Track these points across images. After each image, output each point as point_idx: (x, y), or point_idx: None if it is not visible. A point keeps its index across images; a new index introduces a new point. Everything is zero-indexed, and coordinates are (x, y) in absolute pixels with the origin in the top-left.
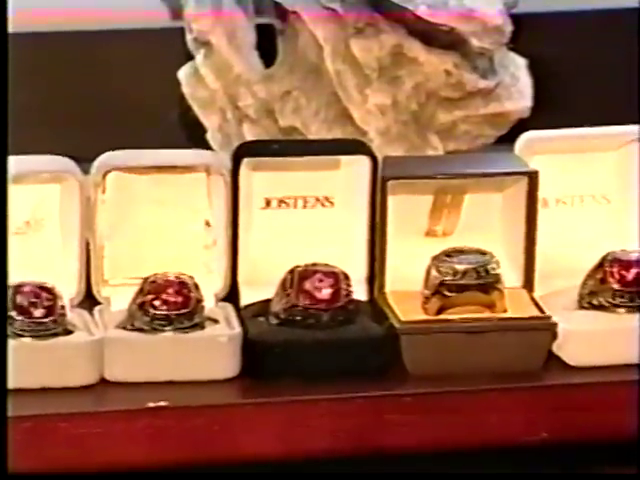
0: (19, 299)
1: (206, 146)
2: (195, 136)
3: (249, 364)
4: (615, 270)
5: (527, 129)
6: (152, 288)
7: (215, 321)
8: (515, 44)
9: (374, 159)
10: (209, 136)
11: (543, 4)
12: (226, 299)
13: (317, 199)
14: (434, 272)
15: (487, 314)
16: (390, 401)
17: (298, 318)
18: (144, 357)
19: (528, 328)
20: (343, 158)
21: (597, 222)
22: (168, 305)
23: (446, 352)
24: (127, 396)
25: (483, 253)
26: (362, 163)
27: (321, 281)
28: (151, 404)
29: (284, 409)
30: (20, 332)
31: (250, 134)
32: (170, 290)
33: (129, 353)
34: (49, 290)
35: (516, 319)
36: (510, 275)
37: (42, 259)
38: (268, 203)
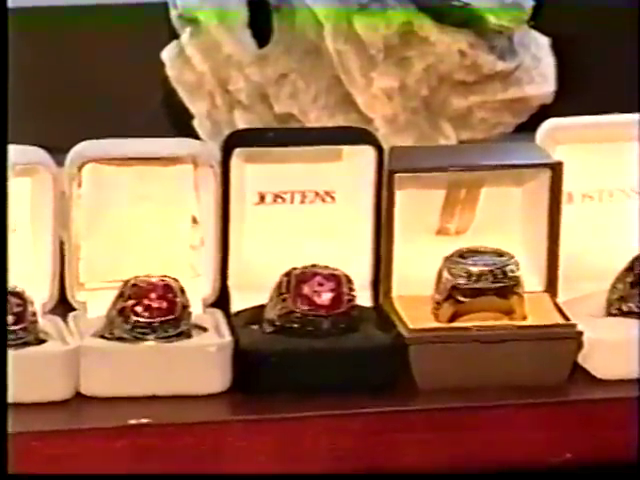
0: None
1: (193, 135)
2: (181, 124)
3: (241, 377)
4: None
5: (550, 116)
6: (133, 292)
7: (203, 329)
8: (537, 21)
9: (380, 149)
10: (196, 124)
11: None
12: (215, 304)
13: (316, 194)
14: (446, 275)
15: (505, 321)
16: (397, 418)
17: (295, 326)
18: (124, 369)
19: (550, 337)
20: (345, 148)
21: (627, 219)
22: (151, 311)
23: (459, 364)
24: (106, 412)
25: (501, 254)
26: (366, 154)
27: (321, 285)
28: (132, 421)
29: (279, 427)
30: None
31: (242, 121)
32: (153, 295)
33: (108, 364)
34: (19, 295)
35: (537, 327)
36: (531, 278)
37: (11, 260)
38: (262, 198)
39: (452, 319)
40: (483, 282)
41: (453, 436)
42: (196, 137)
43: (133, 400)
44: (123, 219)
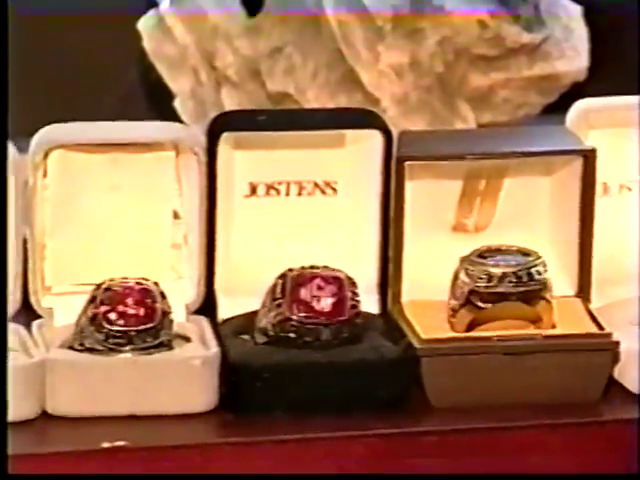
0: None
1: (174, 117)
2: (160, 104)
3: (230, 394)
4: None
5: (582, 96)
6: (107, 297)
7: (186, 339)
8: None
9: (388, 134)
10: (178, 104)
11: None
12: (200, 311)
13: (315, 185)
14: (464, 277)
15: (531, 331)
16: (407, 441)
17: (291, 336)
18: (97, 385)
19: (583, 348)
20: (348, 133)
21: None
22: (127, 319)
23: (479, 379)
24: (75, 434)
25: (526, 253)
26: (372, 139)
27: (320, 288)
28: (106, 444)
29: (273, 451)
30: None
31: (230, 101)
32: (129, 300)
33: (77, 380)
34: None
35: (568, 337)
36: (560, 281)
37: None
38: (253, 190)
39: (470, 328)
40: (506, 285)
41: (471, 462)
42: (178, 120)
43: (107, 420)
44: (95, 214)
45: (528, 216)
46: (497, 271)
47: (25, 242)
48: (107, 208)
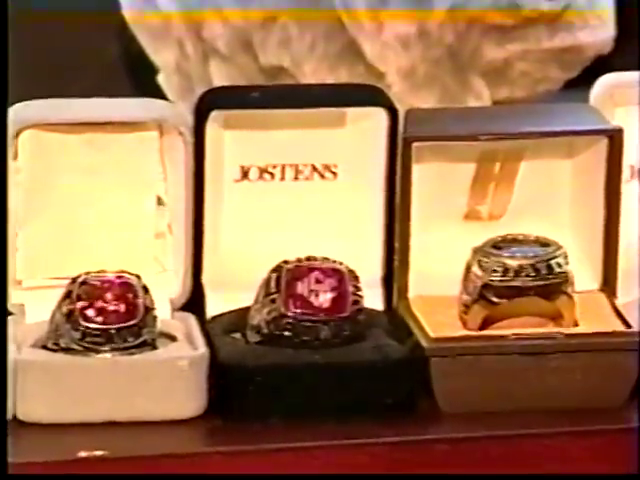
0: None
1: (158, 93)
2: (142, 79)
3: (219, 398)
4: None
5: (608, 70)
6: (84, 292)
7: (171, 338)
8: None
9: (393, 112)
10: (162, 79)
11: None
12: (187, 307)
13: (314, 168)
14: (477, 270)
15: (551, 329)
16: (416, 450)
17: (287, 334)
18: (73, 388)
19: (608, 348)
20: (350, 111)
21: None
22: (106, 315)
23: (494, 382)
24: (50, 443)
25: (545, 243)
26: (376, 118)
27: (319, 282)
28: (83, 453)
29: (268, 461)
30: None
31: (220, 76)
32: (109, 295)
33: (52, 382)
34: None
35: (591, 335)
36: (583, 274)
37: None
38: (245, 174)
39: (484, 326)
40: (523, 279)
41: (485, 473)
42: (161, 96)
43: (84, 428)
44: (70, 200)
45: (548, 203)
46: (513, 263)
47: None
48: (84, 194)
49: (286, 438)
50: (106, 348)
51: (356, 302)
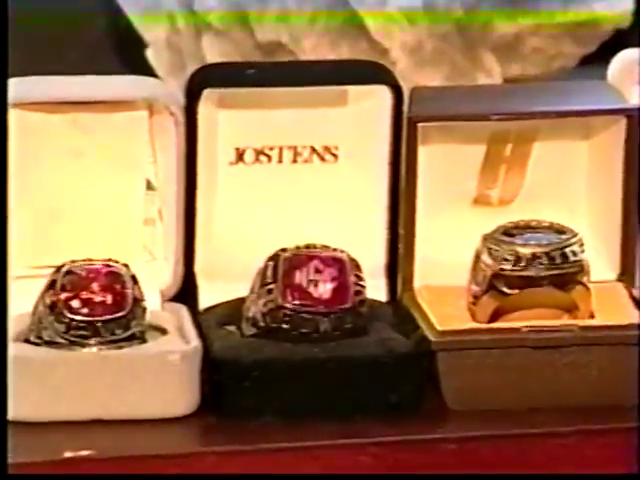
0: None
1: (147, 70)
2: (130, 55)
3: (213, 395)
4: None
5: (626, 46)
6: (68, 282)
7: (162, 331)
8: None
9: (398, 91)
10: (150, 55)
11: None
12: (178, 298)
13: (313, 150)
14: (487, 258)
15: (565, 321)
16: (422, 450)
17: (285, 327)
18: (57, 384)
19: (626, 342)
20: (352, 89)
21: None
22: (92, 307)
23: (505, 377)
24: (33, 442)
25: (560, 230)
26: (380, 97)
27: (319, 271)
28: (69, 454)
29: (265, 461)
30: None
31: (213, 52)
32: (95, 285)
33: (35, 378)
34: None
35: (608, 328)
36: (600, 263)
37: None
38: (240, 156)
39: (494, 318)
40: (536, 268)
41: (495, 474)
42: (151, 74)
43: (70, 425)
44: (54, 184)
45: (562, 187)
46: (526, 251)
47: None
48: (68, 178)
49: (284, 437)
50: (92, 342)
51: (358, 293)
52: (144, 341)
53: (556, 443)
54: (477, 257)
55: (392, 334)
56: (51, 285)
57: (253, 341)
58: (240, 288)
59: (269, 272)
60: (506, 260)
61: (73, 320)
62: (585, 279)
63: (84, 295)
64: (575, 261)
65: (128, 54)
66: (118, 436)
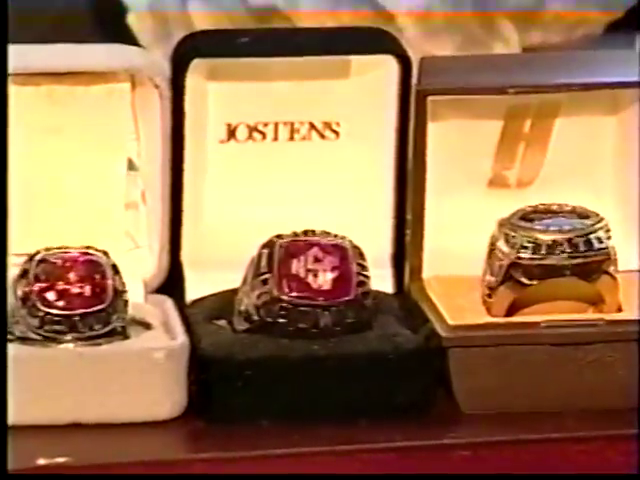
0: None
1: (129, 38)
2: (110, 22)
3: (202, 397)
4: None
5: None
6: (42, 272)
7: (145, 325)
8: None
9: (405, 61)
10: (132, 21)
11: None
12: (163, 289)
13: (312, 127)
14: (503, 246)
15: (590, 315)
16: (433, 456)
17: (281, 321)
18: (31, 384)
19: None
20: (354, 60)
21: None
22: (69, 299)
23: (523, 377)
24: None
25: (584, 214)
26: (386, 68)
27: (318, 260)
28: (42, 461)
29: (259, 468)
30: None
31: (201, 19)
32: (71, 275)
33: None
34: None
35: (637, 323)
36: (627, 251)
37: None
38: (232, 133)
39: (512, 311)
40: (557, 257)
41: None
42: (133, 42)
43: (44, 430)
44: (27, 163)
45: (587, 167)
46: (546, 238)
47: None
48: (43, 156)
49: (280, 443)
50: (69, 337)
51: (361, 283)
52: (126, 337)
53: (579, 450)
54: (493, 244)
55: (399, 329)
56: (23, 275)
57: (246, 337)
58: (232, 279)
59: (264, 261)
60: (524, 248)
61: (48, 314)
62: (612, 268)
63: (59, 286)
64: (600, 248)
65: (108, 20)
66: (97, 442)
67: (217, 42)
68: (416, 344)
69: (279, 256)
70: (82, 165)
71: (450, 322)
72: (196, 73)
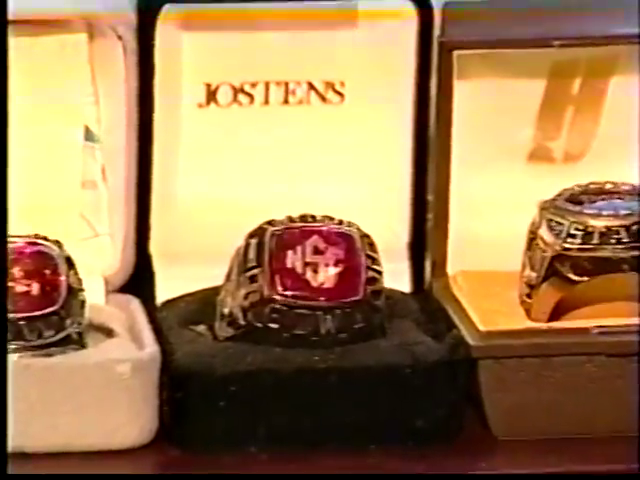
0: None
1: None
2: None
3: (176, 419)
4: None
5: None
6: None
7: (107, 332)
8: None
9: (426, 7)
10: None
11: None
12: (128, 288)
13: (311, 87)
14: (546, 234)
15: None
16: None
17: (273, 326)
18: None
19: None
20: (363, 5)
21: None
22: (13, 300)
23: (568, 395)
24: None
25: None
26: (402, 15)
27: (320, 252)
28: None
29: None
30: None
31: None
32: (16, 270)
33: None
34: None
35: None
36: None
37: None
38: (212, 95)
39: (556, 315)
40: (612, 247)
41: None
42: None
43: None
44: None
45: None
46: (598, 224)
47: None
48: None
49: (274, 468)
50: (12, 346)
51: (372, 280)
52: (83, 346)
53: None
54: (533, 232)
55: (418, 336)
56: None
57: (230, 346)
58: (212, 274)
59: (251, 253)
60: (572, 236)
61: None
62: None
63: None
64: None
65: None
66: (47, 474)
67: None
68: (439, 355)
69: (271, 247)
70: (29, 135)
71: (481, 328)
72: (168, 21)
